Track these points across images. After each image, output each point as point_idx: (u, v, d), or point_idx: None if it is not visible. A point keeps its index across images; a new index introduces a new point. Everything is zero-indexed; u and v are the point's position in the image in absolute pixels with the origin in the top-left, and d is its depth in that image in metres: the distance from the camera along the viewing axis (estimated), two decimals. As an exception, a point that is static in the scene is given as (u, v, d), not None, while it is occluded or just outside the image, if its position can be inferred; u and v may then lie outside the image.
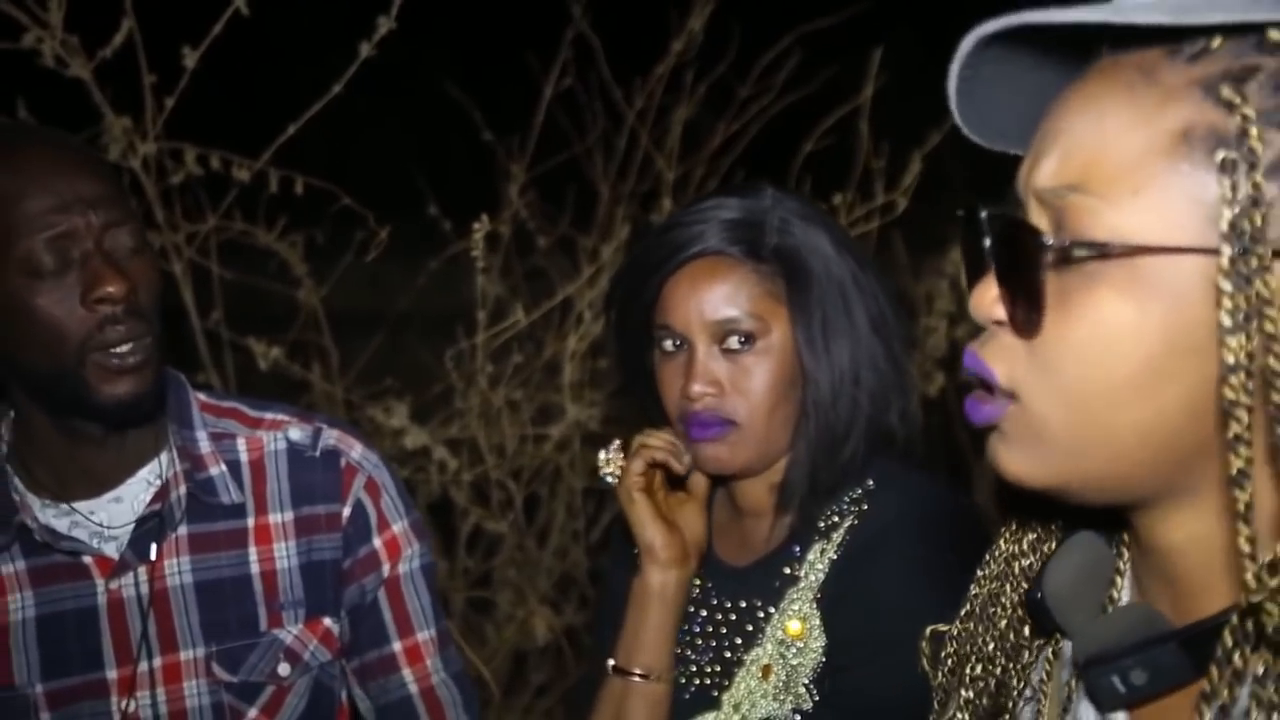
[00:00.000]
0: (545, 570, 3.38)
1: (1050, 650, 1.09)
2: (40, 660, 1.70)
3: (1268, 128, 0.80)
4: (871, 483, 1.79)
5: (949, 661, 1.18)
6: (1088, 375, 0.86)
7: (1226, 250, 0.80)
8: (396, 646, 1.83)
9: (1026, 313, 0.88)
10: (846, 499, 1.79)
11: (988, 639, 1.13)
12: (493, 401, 3.19)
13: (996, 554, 1.14)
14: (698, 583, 1.88)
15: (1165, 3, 0.83)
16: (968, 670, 1.15)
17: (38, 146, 1.63)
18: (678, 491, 1.86)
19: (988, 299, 0.92)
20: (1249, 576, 0.80)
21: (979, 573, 1.17)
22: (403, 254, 2.99)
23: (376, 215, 2.80)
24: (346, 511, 1.81)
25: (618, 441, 1.87)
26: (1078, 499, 0.94)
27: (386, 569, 1.83)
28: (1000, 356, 0.91)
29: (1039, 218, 0.89)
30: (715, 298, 1.73)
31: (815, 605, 1.76)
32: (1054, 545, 1.08)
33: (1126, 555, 1.03)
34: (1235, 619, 0.83)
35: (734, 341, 1.73)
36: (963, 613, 1.18)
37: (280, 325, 3.26)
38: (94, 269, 1.58)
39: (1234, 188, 0.80)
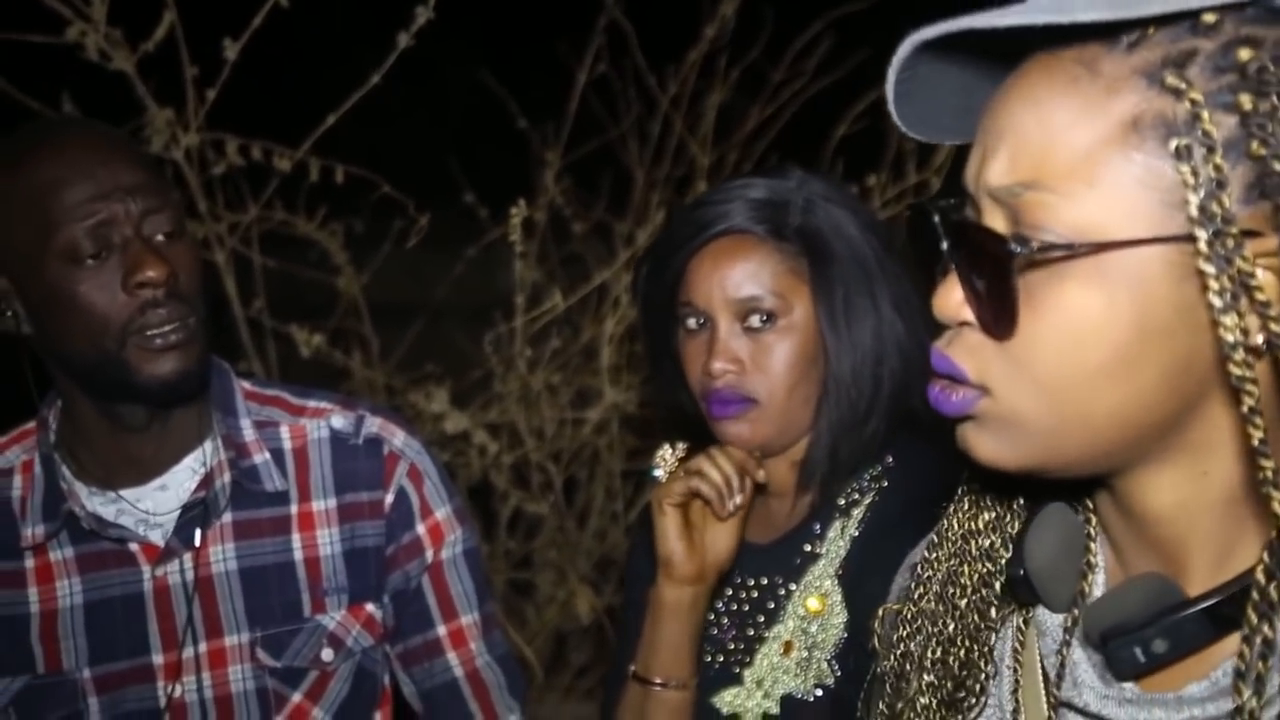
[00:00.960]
0: (585, 551, 3.37)
1: (1020, 621, 1.08)
2: (88, 646, 1.69)
3: (1215, 110, 0.80)
4: (891, 460, 1.77)
5: (901, 645, 1.16)
6: (1061, 367, 0.86)
7: (1202, 235, 0.79)
8: (441, 631, 1.82)
9: (997, 316, 0.87)
10: (867, 476, 1.77)
11: (947, 620, 1.12)
12: (531, 385, 3.18)
13: (949, 534, 1.13)
14: None
15: None
16: (928, 654, 1.13)
17: (77, 137, 1.62)
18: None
19: (953, 301, 0.90)
20: None
21: (927, 554, 1.16)
22: (440, 242, 2.97)
23: (414, 204, 2.78)
24: (389, 499, 1.79)
25: (683, 445, 1.84)
26: (1055, 477, 0.94)
27: (430, 555, 1.81)
28: (969, 354, 0.90)
29: (993, 216, 0.88)
30: (738, 275, 1.71)
31: (836, 582, 1.75)
32: (1016, 523, 1.07)
33: (1095, 521, 1.03)
34: (1257, 585, 0.83)
35: (756, 319, 1.71)
36: (915, 595, 1.16)
37: (321, 313, 3.27)
38: (134, 254, 1.57)
39: (1194, 173, 0.79)
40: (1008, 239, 0.85)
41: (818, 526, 1.78)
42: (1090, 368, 0.85)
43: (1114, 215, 0.83)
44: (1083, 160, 0.83)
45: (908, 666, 1.16)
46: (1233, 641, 0.88)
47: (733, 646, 1.81)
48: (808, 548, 1.78)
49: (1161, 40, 0.82)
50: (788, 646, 1.75)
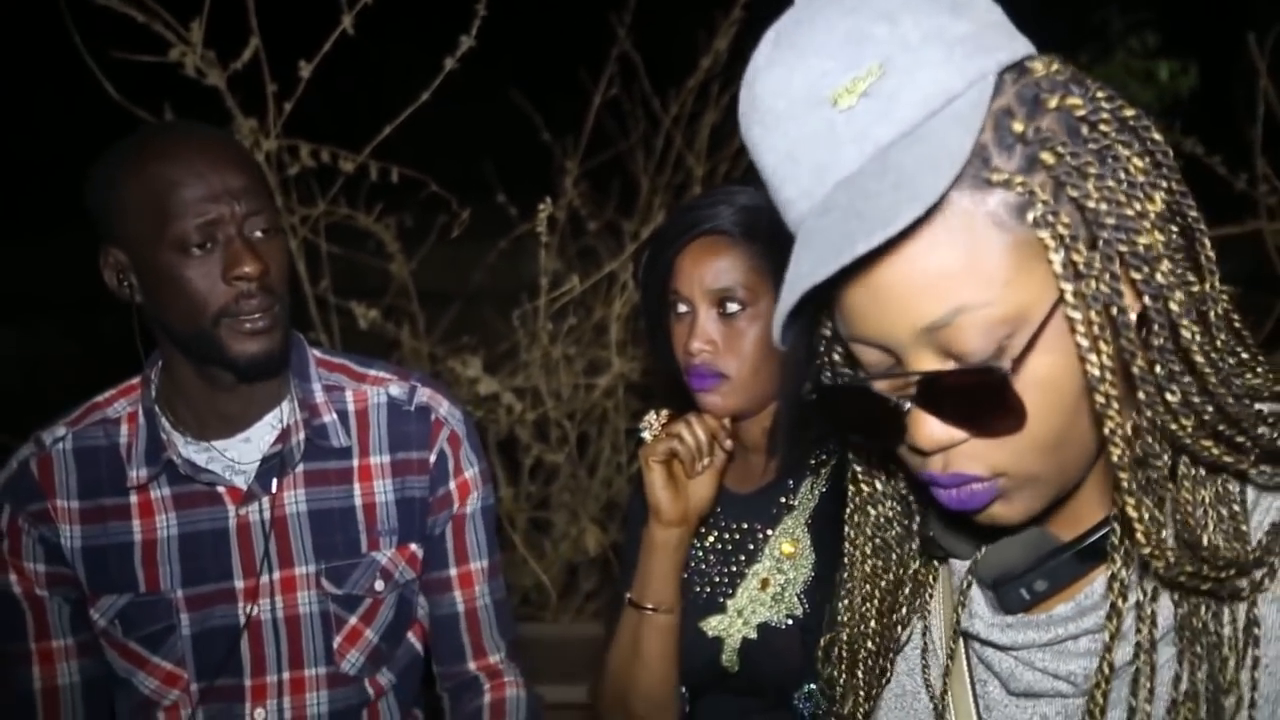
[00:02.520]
0: (594, 496, 3.36)
1: (932, 576, 1.10)
2: (181, 571, 1.69)
3: (1031, 176, 0.79)
4: None
5: (842, 662, 1.13)
6: (1052, 421, 0.84)
7: (1068, 287, 0.79)
8: (452, 571, 1.82)
9: (1006, 422, 0.83)
10: (834, 442, 1.76)
11: (869, 621, 1.10)
12: (551, 355, 3.17)
13: (860, 539, 1.09)
14: None
15: (896, 184, 0.77)
16: (858, 669, 1.12)
17: (195, 142, 1.60)
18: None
19: (937, 434, 0.86)
20: (1128, 500, 0.83)
21: (845, 583, 1.13)
22: (476, 235, 2.96)
23: (455, 202, 2.77)
24: (433, 458, 1.79)
25: (666, 412, 1.83)
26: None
27: (457, 506, 1.82)
28: (974, 460, 0.87)
29: (922, 358, 0.84)
30: (715, 269, 1.71)
31: (806, 529, 1.75)
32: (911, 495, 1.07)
33: None
34: (1117, 530, 0.87)
35: (729, 307, 1.71)
36: (843, 619, 1.13)
37: (376, 293, 3.25)
38: (235, 251, 1.56)
39: (1054, 236, 0.79)
40: (994, 367, 0.81)
41: (791, 482, 1.79)
42: (1070, 409, 0.84)
43: (1027, 294, 0.81)
44: (980, 270, 0.80)
45: (846, 675, 1.14)
46: (1093, 575, 0.93)
47: (717, 580, 1.81)
48: (783, 499, 1.78)
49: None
50: (764, 583, 1.76)
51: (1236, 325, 0.88)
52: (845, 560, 1.12)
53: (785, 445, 1.77)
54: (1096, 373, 0.80)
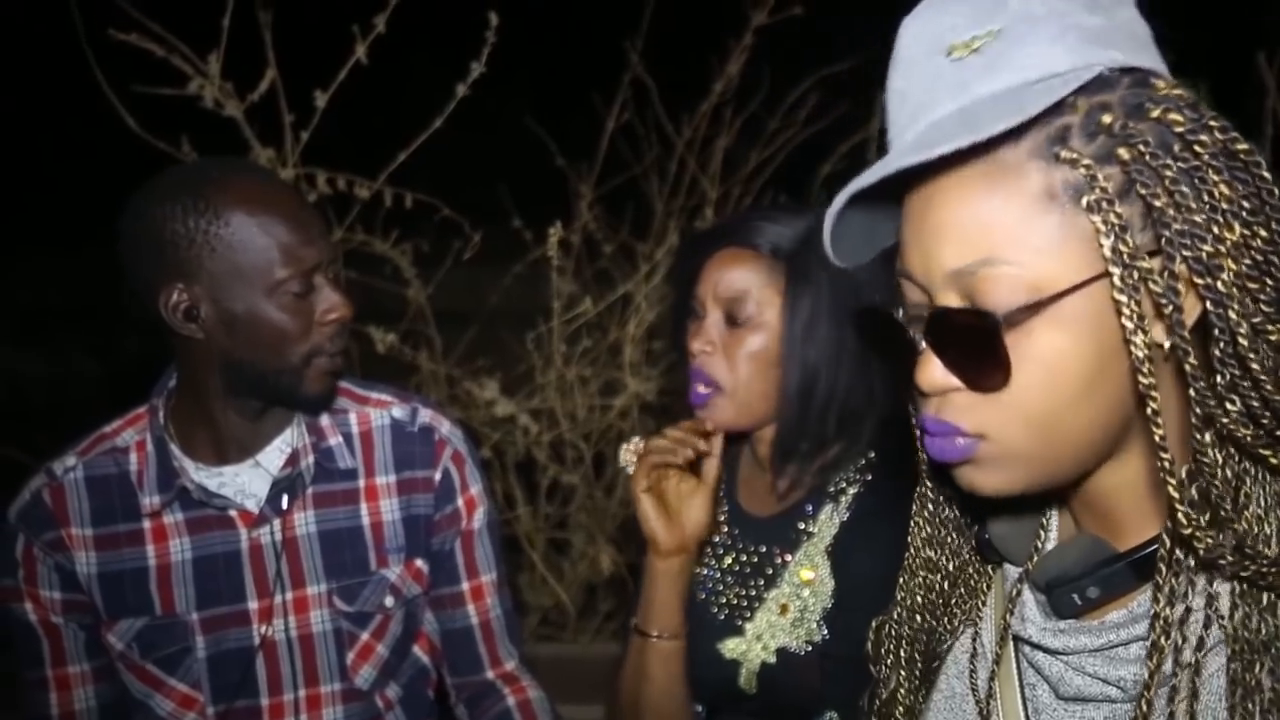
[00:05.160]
0: (611, 516, 3.35)
1: (986, 581, 1.10)
2: (196, 593, 1.70)
3: (1102, 166, 0.82)
4: (874, 455, 1.75)
5: (887, 645, 1.16)
6: (1046, 402, 0.85)
7: (1115, 271, 0.81)
8: (465, 586, 1.83)
9: (990, 376, 0.86)
10: (853, 469, 1.75)
11: (918, 617, 1.12)
12: (567, 377, 3.17)
13: (921, 526, 1.12)
14: (726, 529, 1.84)
15: (962, 122, 0.83)
16: (902, 651, 1.14)
17: (279, 186, 1.63)
18: (693, 478, 1.77)
19: (936, 376, 0.89)
20: (1180, 516, 0.82)
21: (902, 579, 1.14)
22: (492, 259, 2.98)
23: (469, 226, 2.78)
24: (437, 476, 1.80)
25: (637, 439, 1.80)
26: (1046, 489, 0.93)
27: (465, 523, 1.83)
28: (962, 412, 0.89)
29: (947, 297, 0.87)
30: (730, 277, 1.71)
31: (826, 557, 1.73)
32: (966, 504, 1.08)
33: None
34: (1168, 544, 0.86)
35: (736, 316, 1.70)
36: (896, 615, 1.15)
37: (390, 317, 3.26)
38: (330, 296, 1.60)
39: (1104, 221, 0.81)
40: (989, 312, 0.84)
41: (810, 508, 1.76)
42: (1068, 396, 0.85)
43: (1057, 268, 0.83)
44: (1022, 233, 0.83)
45: (892, 665, 1.16)
46: (1146, 585, 0.91)
47: (735, 601, 1.79)
48: (801, 525, 1.76)
49: (1043, 127, 0.83)
50: (784, 608, 1.73)
51: None
52: (908, 546, 1.14)
53: (779, 465, 1.76)
54: (1141, 354, 0.81)
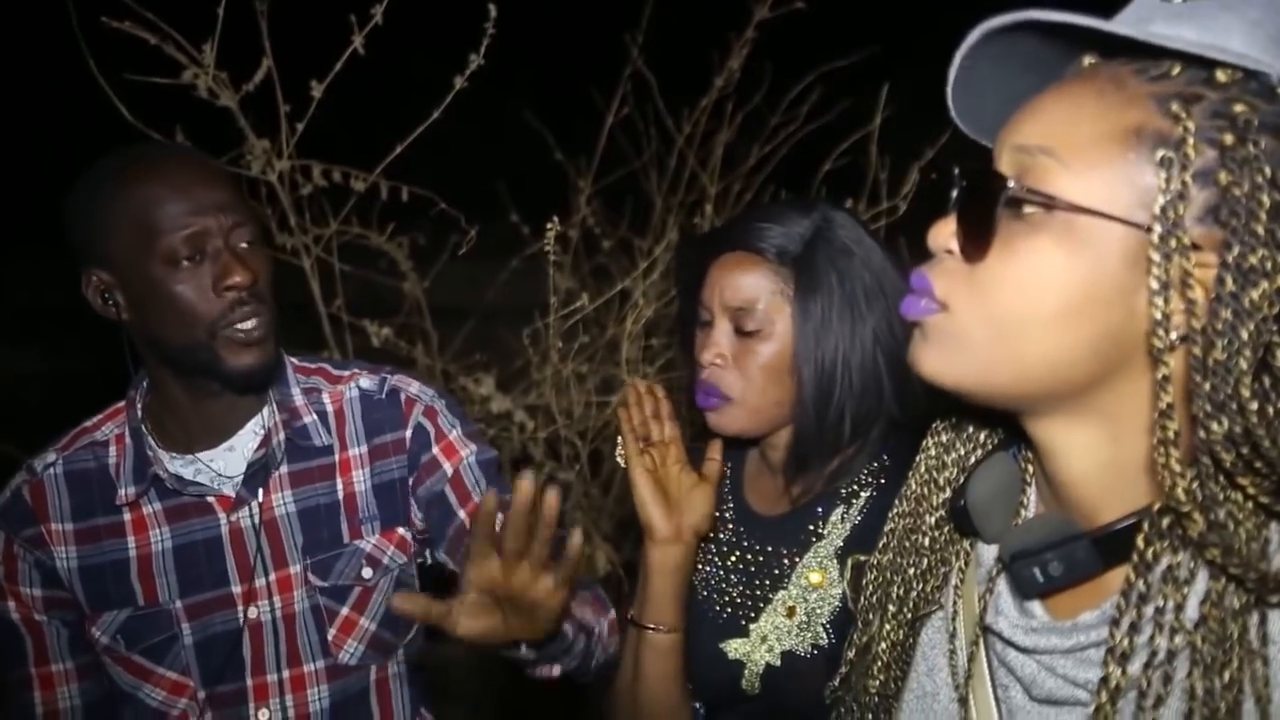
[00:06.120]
0: (609, 514, 3.33)
1: (963, 560, 1.11)
2: (179, 582, 1.70)
3: (1201, 141, 0.83)
4: (887, 458, 1.72)
5: (870, 588, 1.18)
6: (1014, 305, 0.88)
7: (1157, 228, 0.83)
8: (462, 514, 1.76)
9: (976, 241, 0.89)
10: (865, 472, 1.73)
11: (908, 563, 1.14)
12: (563, 373, 3.15)
13: (918, 474, 1.15)
14: (731, 527, 1.81)
15: (1124, 22, 0.87)
16: (893, 591, 1.15)
17: (175, 160, 1.62)
18: (695, 473, 1.75)
19: (945, 232, 0.93)
20: (1180, 492, 0.83)
21: (893, 510, 1.18)
22: (490, 254, 2.96)
23: (467, 220, 2.76)
24: (408, 434, 1.79)
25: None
26: (982, 403, 0.95)
27: (448, 468, 1.78)
28: (942, 276, 0.93)
29: (1007, 166, 0.90)
30: (737, 286, 1.68)
31: (835, 559, 1.70)
32: (973, 460, 1.09)
33: (1031, 472, 1.05)
34: (1150, 521, 0.88)
35: (745, 325, 1.68)
36: (881, 545, 1.18)
37: (390, 311, 3.26)
38: (224, 262, 1.58)
39: (1168, 180, 0.83)
40: (1007, 177, 0.88)
41: (820, 510, 1.74)
42: (1037, 313, 0.87)
43: (1098, 194, 0.85)
44: (1091, 145, 0.86)
45: (875, 605, 1.17)
46: (1122, 576, 0.91)
47: (739, 600, 1.77)
48: (811, 527, 1.74)
49: (1179, 81, 0.86)
50: (791, 610, 1.71)
51: None
52: (903, 490, 1.17)
53: (793, 473, 1.74)
54: (1159, 316, 0.82)
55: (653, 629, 1.70)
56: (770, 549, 1.77)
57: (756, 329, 1.67)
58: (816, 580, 1.70)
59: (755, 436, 1.75)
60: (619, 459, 1.77)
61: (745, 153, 3.45)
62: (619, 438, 1.78)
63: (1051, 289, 0.86)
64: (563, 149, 3.46)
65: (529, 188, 3.54)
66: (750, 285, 1.68)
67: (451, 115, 2.66)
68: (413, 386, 1.82)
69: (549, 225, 2.58)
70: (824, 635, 1.67)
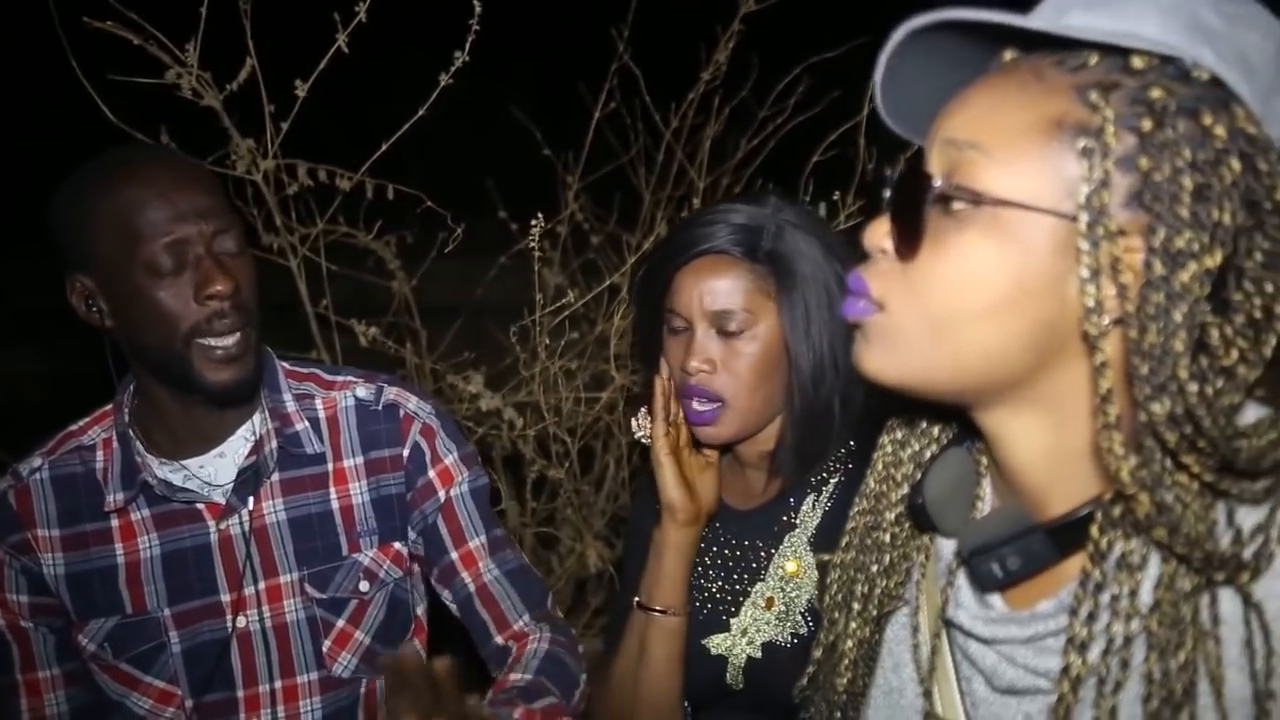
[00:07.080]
0: (599, 511, 3.33)
1: (924, 556, 1.12)
2: (167, 589, 1.69)
3: (1121, 128, 0.84)
4: (854, 444, 1.74)
5: (834, 586, 1.19)
6: (948, 301, 0.88)
7: (1083, 217, 0.83)
8: (454, 555, 1.79)
9: (908, 240, 0.90)
10: (833, 458, 1.74)
11: (871, 561, 1.15)
12: (552, 370, 3.14)
13: (875, 472, 1.15)
14: (707, 523, 1.82)
15: (1040, 17, 0.89)
16: (857, 589, 1.16)
17: (158, 165, 1.60)
18: (703, 456, 1.79)
19: (879, 232, 0.94)
20: (1125, 475, 0.84)
21: (854, 508, 1.18)
22: (478, 251, 2.95)
23: (454, 218, 2.74)
24: (406, 452, 1.78)
25: (645, 409, 1.81)
26: (923, 397, 0.96)
27: (442, 495, 1.79)
28: (878, 276, 0.93)
29: (935, 163, 0.91)
30: (714, 290, 1.68)
31: (809, 548, 1.72)
32: (928, 455, 1.11)
33: (985, 464, 1.06)
34: (1102, 510, 0.89)
35: (728, 327, 1.68)
36: (843, 544, 1.19)
37: (378, 311, 3.24)
38: (206, 270, 1.56)
39: (1091, 169, 0.84)
40: (933, 175, 0.89)
41: (792, 500, 1.75)
42: (970, 307, 0.88)
43: (1024, 185, 0.86)
44: (1015, 137, 0.87)
45: (841, 602, 1.18)
46: (1078, 565, 0.93)
47: (719, 596, 1.79)
48: (785, 518, 1.75)
49: (1097, 71, 0.87)
50: (769, 601, 1.73)
51: (1241, 351, 0.86)
52: (862, 487, 1.17)
53: (790, 465, 1.75)
54: (1092, 303, 0.83)
55: (661, 611, 1.73)
56: (746, 542, 1.78)
57: (740, 329, 1.68)
58: (792, 569, 1.72)
59: (747, 437, 1.76)
60: (638, 436, 1.78)
61: (733, 146, 3.44)
62: (639, 412, 1.80)
63: (983, 283, 0.87)
64: (551, 144, 3.45)
65: (517, 184, 3.53)
66: (728, 287, 1.68)
67: (438, 112, 2.65)
68: (411, 402, 1.81)
69: (534, 222, 2.57)
70: (803, 624, 1.69)
